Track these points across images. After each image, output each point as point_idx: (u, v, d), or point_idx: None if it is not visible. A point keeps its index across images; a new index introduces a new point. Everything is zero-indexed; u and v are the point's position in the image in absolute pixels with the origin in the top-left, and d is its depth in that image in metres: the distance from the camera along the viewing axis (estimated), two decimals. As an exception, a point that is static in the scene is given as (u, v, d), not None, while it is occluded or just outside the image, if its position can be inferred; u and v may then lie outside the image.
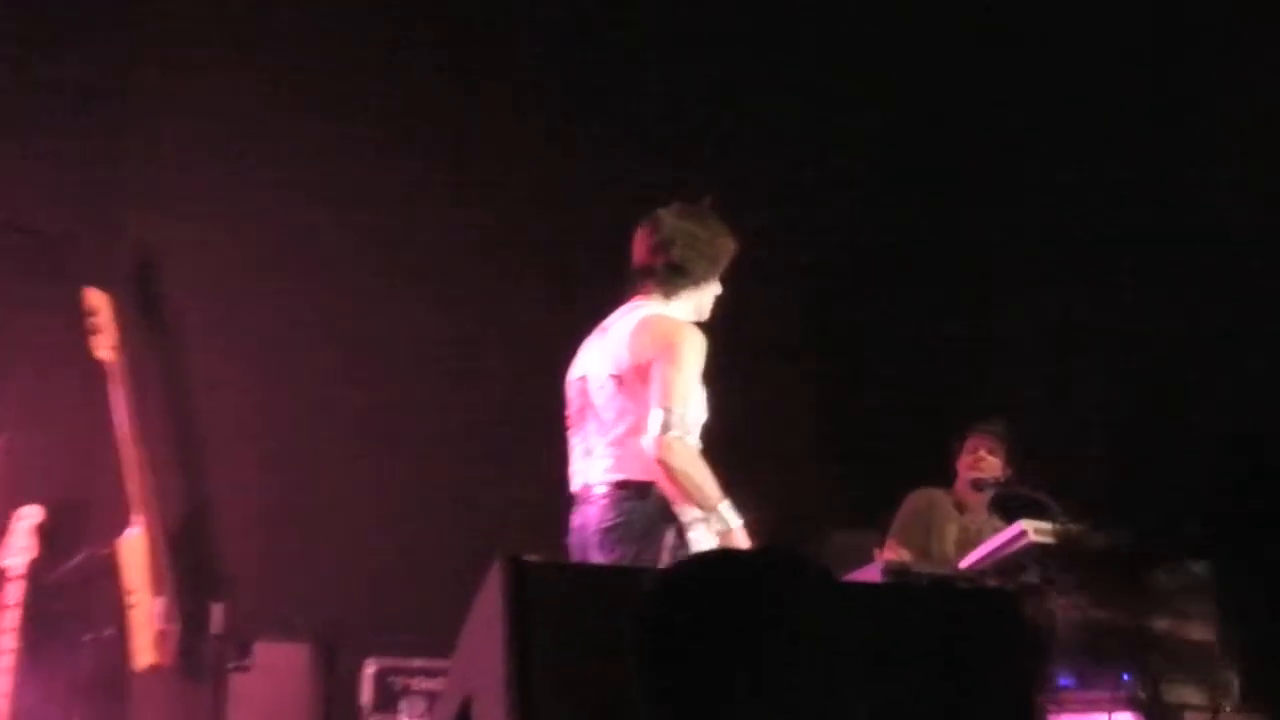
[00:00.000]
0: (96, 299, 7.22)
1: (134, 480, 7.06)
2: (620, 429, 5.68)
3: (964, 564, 6.78)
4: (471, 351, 8.05)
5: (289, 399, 7.86)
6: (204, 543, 7.56)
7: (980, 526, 7.89)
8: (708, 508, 5.51)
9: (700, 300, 5.86)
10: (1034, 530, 6.49)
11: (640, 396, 5.62)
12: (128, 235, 7.48)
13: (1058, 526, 6.40)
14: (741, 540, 5.50)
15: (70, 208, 7.32)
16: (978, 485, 7.95)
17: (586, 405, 5.80)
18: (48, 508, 6.96)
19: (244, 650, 7.14)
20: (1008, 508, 7.61)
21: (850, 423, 8.72)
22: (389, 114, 7.97)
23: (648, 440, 5.51)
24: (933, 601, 4.59)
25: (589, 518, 5.67)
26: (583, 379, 5.83)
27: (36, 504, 6.96)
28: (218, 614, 7.25)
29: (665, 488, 5.53)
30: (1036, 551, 6.47)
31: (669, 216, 5.89)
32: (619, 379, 5.69)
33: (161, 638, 7.05)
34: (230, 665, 7.07)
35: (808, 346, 8.90)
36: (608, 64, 8.33)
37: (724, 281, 5.94)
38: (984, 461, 8.00)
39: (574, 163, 8.28)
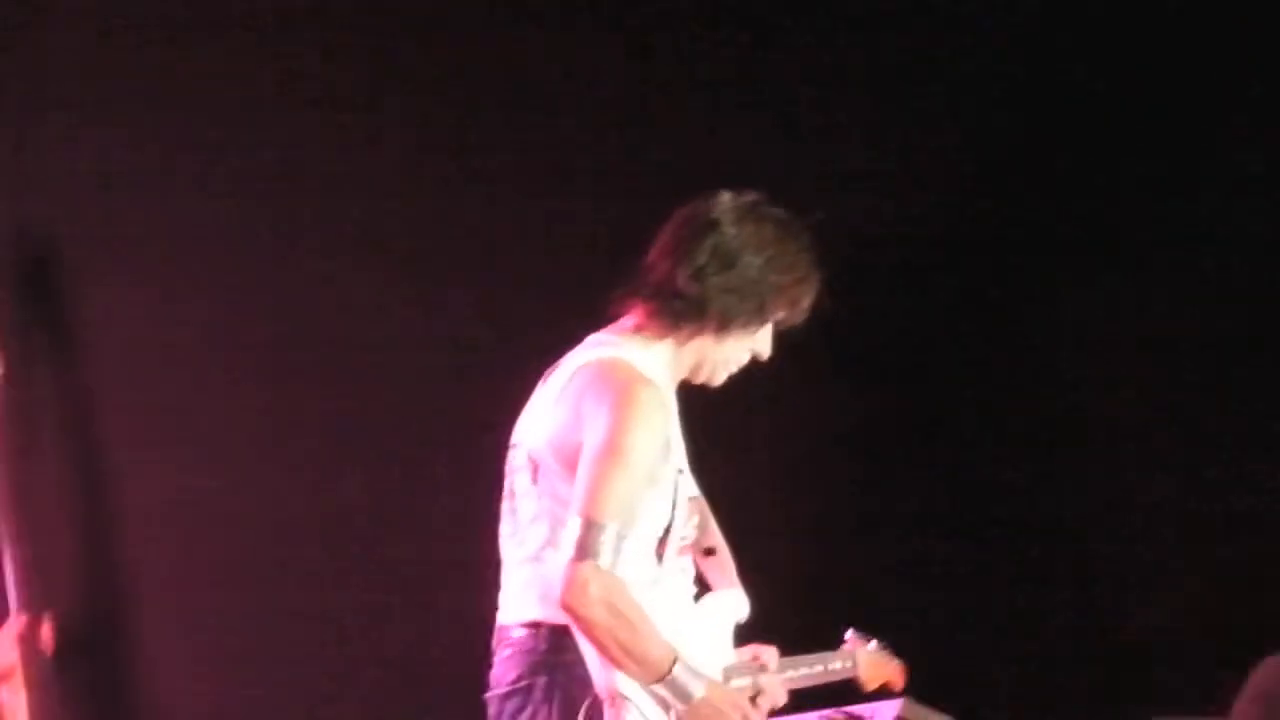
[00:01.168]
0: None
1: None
2: (535, 540, 4.09)
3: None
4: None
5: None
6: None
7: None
8: (645, 679, 3.92)
9: (713, 354, 4.18)
10: None
11: (563, 493, 4.02)
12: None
13: None
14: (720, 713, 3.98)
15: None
16: None
17: (510, 493, 4.21)
18: None
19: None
20: None
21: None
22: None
23: (555, 568, 3.95)
24: None
25: (498, 673, 4.15)
26: (513, 448, 4.21)
27: None
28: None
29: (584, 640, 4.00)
30: None
31: (728, 209, 4.15)
32: (536, 465, 4.10)
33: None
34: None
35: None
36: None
37: (783, 337, 4.21)
38: None
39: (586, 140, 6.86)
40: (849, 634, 4.30)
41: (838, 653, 4.26)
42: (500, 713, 4.07)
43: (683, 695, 3.92)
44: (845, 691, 4.40)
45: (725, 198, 4.13)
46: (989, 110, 6.99)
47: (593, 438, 3.94)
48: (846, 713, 4.22)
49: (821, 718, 4.20)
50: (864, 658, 4.27)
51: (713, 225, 4.09)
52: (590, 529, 3.87)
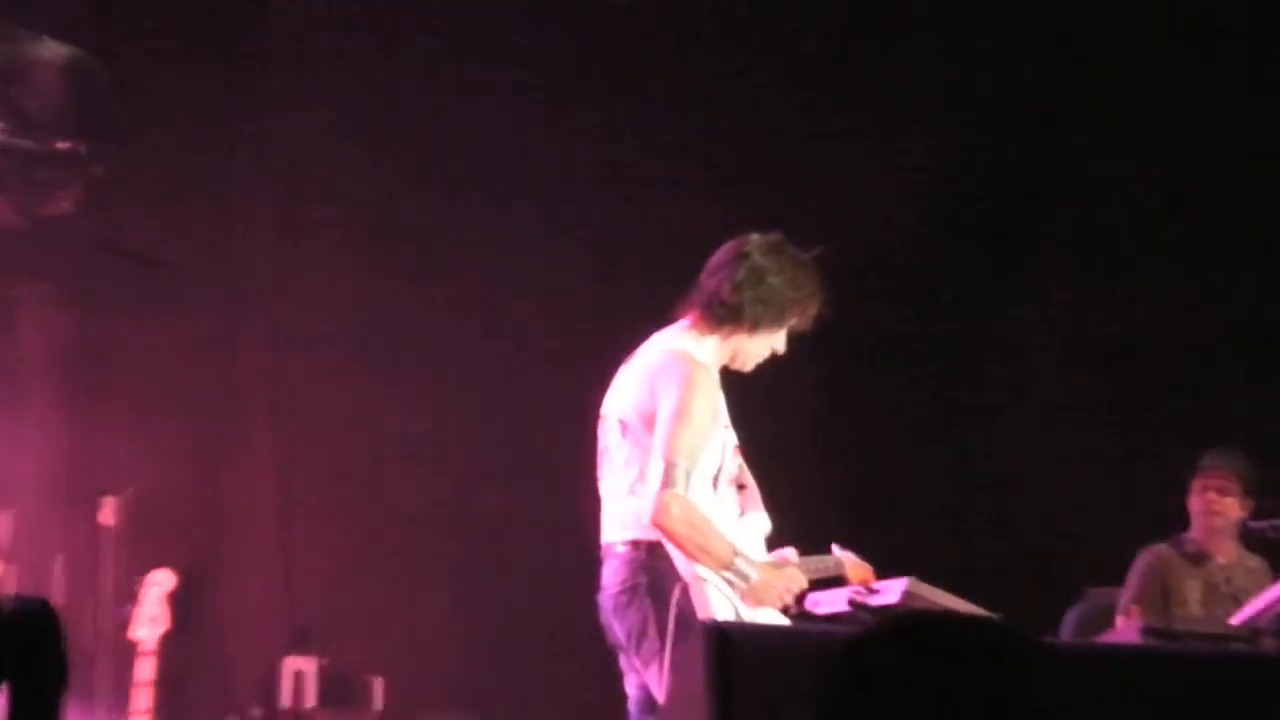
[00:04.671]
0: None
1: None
2: (628, 478, 5.50)
3: (1238, 619, 6.24)
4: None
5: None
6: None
7: (1230, 573, 7.10)
8: (716, 568, 5.35)
9: (745, 348, 5.56)
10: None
11: (646, 445, 5.44)
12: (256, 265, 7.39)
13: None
14: (767, 592, 5.37)
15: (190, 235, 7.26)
16: (1214, 532, 7.11)
17: (604, 448, 5.60)
18: (179, 571, 6.60)
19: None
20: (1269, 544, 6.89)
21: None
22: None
23: (644, 499, 5.35)
24: (1204, 670, 4.21)
25: (608, 578, 5.51)
26: (603, 417, 5.60)
27: (166, 568, 6.59)
28: (377, 690, 7.43)
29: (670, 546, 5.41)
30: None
31: (758, 245, 5.56)
32: (624, 425, 5.51)
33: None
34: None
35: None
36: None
37: (794, 340, 5.59)
38: (1216, 504, 7.08)
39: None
40: (835, 547, 5.63)
41: (830, 557, 5.63)
42: (615, 606, 5.41)
43: (743, 577, 5.32)
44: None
45: (755, 237, 5.52)
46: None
47: (666, 405, 5.36)
48: (866, 586, 5.51)
49: (849, 590, 5.50)
50: (848, 562, 5.64)
51: (746, 255, 5.50)
52: (669, 467, 5.28)
